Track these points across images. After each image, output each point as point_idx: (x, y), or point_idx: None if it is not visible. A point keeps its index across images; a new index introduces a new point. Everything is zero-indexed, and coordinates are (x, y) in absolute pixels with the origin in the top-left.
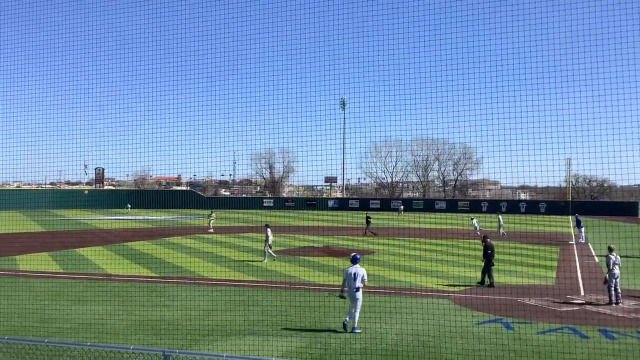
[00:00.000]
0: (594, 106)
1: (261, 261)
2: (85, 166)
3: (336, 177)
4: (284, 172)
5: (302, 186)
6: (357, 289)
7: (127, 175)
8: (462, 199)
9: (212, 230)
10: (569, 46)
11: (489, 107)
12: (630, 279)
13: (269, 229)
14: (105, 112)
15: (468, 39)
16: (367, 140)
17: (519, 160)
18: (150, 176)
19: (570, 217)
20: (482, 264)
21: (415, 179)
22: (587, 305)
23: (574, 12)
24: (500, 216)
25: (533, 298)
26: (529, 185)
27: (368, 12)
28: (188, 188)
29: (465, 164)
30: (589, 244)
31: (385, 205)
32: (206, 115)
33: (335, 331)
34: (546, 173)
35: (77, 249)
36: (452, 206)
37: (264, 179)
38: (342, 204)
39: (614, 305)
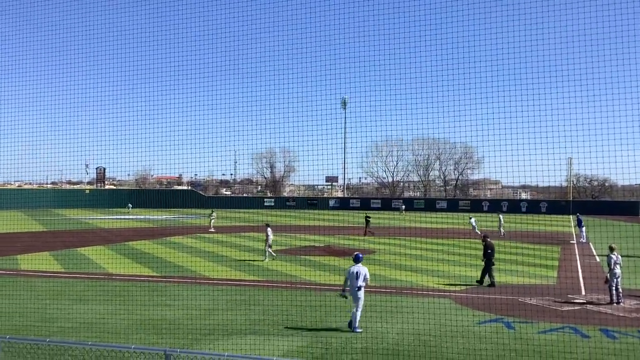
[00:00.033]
0: (595, 105)
1: (262, 261)
2: (87, 166)
3: (337, 177)
4: (285, 171)
5: (303, 185)
6: (359, 288)
7: (128, 175)
8: (463, 199)
9: (213, 230)
10: (570, 45)
11: (490, 107)
12: (632, 278)
13: (269, 229)
14: (106, 112)
15: (469, 38)
16: (368, 139)
17: (520, 159)
18: (151, 176)
19: (571, 216)
20: (483, 263)
21: (416, 179)
22: (588, 305)
23: (575, 12)
24: (500, 215)
25: (534, 297)
26: (530, 185)
27: (369, 11)
28: (189, 187)
29: (466, 163)
30: (590, 244)
31: (386, 205)
32: (207, 115)
33: (336, 330)
34: (547, 172)
35: (78, 249)
36: (453, 206)
37: (265, 178)
38: (343, 204)
39: (615, 304)
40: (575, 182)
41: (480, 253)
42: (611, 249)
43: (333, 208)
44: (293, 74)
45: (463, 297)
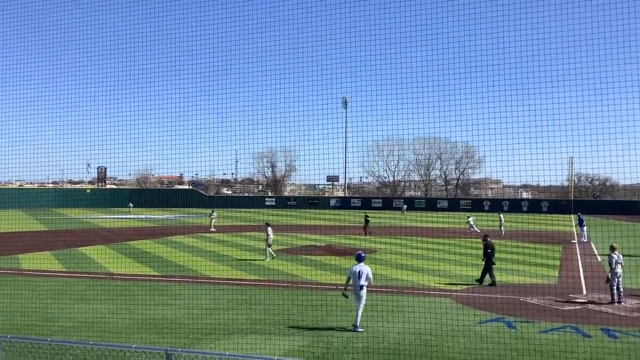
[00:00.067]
0: (596, 105)
1: (263, 260)
2: (88, 165)
3: (338, 176)
4: (286, 171)
5: (304, 185)
6: (361, 287)
7: (129, 174)
8: (464, 198)
9: (214, 229)
10: (571, 45)
11: (491, 106)
12: (633, 277)
13: (269, 228)
14: (107, 111)
15: (470, 37)
16: (369, 139)
17: (521, 159)
18: (152, 175)
19: (572, 216)
20: (483, 263)
21: (417, 178)
22: (589, 304)
23: (576, 11)
24: (501, 215)
25: (535, 297)
26: (531, 184)
27: (371, 10)
28: (190, 187)
29: (468, 162)
30: (591, 243)
31: (387, 205)
32: (208, 114)
33: (337, 330)
34: (548, 172)
35: (79, 248)
36: (454, 205)
37: (266, 177)
38: (344, 203)
39: (616, 304)
40: (576, 182)
41: (481, 252)
42: (612, 249)
43: (334, 207)
44: (294, 74)
45: (464, 296)
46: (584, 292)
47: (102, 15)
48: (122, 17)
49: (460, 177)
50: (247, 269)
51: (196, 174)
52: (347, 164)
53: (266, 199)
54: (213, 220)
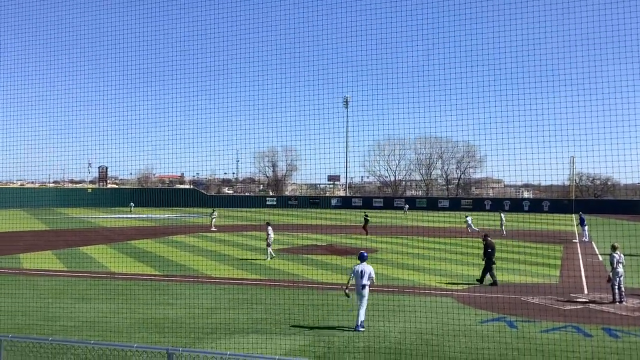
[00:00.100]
0: (597, 104)
1: (264, 259)
2: (89, 165)
3: (339, 176)
4: (287, 170)
5: (305, 184)
6: (364, 286)
7: (131, 174)
8: (465, 198)
9: (214, 229)
10: (573, 45)
11: (493, 106)
12: (634, 277)
13: (269, 228)
14: (108, 111)
15: (471, 37)
16: (370, 138)
17: (523, 158)
18: (154, 175)
19: (573, 215)
20: (484, 262)
21: (418, 177)
22: (590, 304)
23: (578, 11)
24: (502, 214)
25: (536, 296)
26: (533, 184)
27: (372, 9)
28: (191, 186)
29: (469, 162)
30: (593, 243)
31: (389, 204)
32: (209, 114)
33: (338, 329)
34: (550, 171)
35: (80, 248)
36: (455, 204)
37: (267, 177)
38: (345, 203)
39: (617, 303)
40: (577, 181)
41: (482, 252)
42: (614, 248)
43: (335, 207)
44: (295, 73)
45: (465, 296)
46: (585, 291)
47: (102, 14)
48: (122, 16)
49: (462, 176)
50: (248, 269)
51: (197, 174)
52: (348, 163)
53: (267, 199)
54: (214, 220)
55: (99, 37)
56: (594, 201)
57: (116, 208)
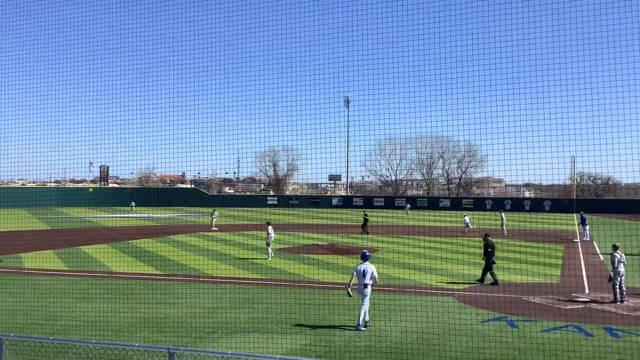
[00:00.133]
0: (599, 104)
1: (265, 259)
2: (90, 164)
3: (340, 175)
4: (288, 170)
5: (306, 184)
6: (366, 286)
7: (132, 173)
8: (466, 197)
9: (215, 228)
10: (574, 44)
11: (494, 105)
12: (635, 276)
13: (270, 227)
14: (109, 111)
15: (472, 36)
16: (371, 138)
17: (524, 158)
18: (155, 174)
19: (574, 214)
20: (484, 262)
21: (419, 177)
22: (591, 303)
23: (579, 10)
24: (503, 214)
25: (538, 296)
26: (534, 183)
27: (373, 9)
28: (192, 186)
29: (470, 161)
30: (594, 242)
31: (390, 203)
32: (211, 113)
33: (339, 328)
34: (551, 171)
35: (81, 247)
36: (456, 204)
37: (268, 176)
38: (346, 202)
39: (618, 303)
40: (578, 181)
41: (482, 251)
42: (615, 248)
43: (336, 206)
44: (296, 73)
45: (466, 295)
46: (587, 291)
47: (102, 13)
48: (122, 15)
49: (463, 176)
50: (249, 268)
51: (198, 173)
52: (349, 162)
53: (268, 198)
54: (214, 219)
55: (100, 36)
56: (595, 200)
57: (117, 207)
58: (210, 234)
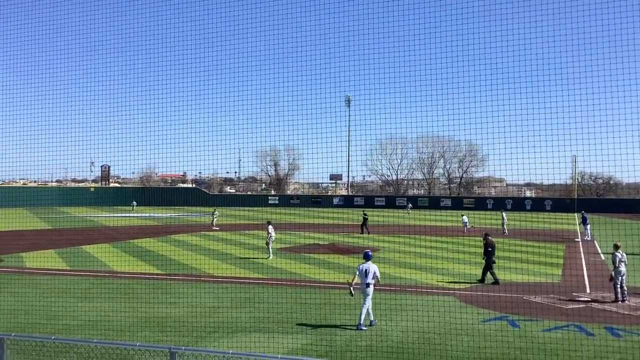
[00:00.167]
0: (600, 103)
1: (266, 258)
2: (92, 164)
3: (341, 175)
4: (289, 169)
5: (307, 184)
6: (368, 285)
7: (133, 173)
8: (467, 197)
9: (216, 228)
10: (575, 44)
11: (495, 104)
12: (637, 276)
13: (270, 226)
14: (111, 110)
15: (473, 36)
16: (372, 137)
17: (525, 157)
18: (156, 174)
19: (576, 214)
20: (484, 261)
21: (420, 177)
22: (592, 303)
23: (580, 10)
24: (504, 213)
25: (539, 295)
26: (535, 183)
27: (373, 8)
28: (193, 185)
29: (471, 161)
30: (595, 242)
31: (391, 203)
32: (212, 113)
33: (340, 328)
34: (552, 170)
35: (83, 246)
36: (457, 204)
37: (269, 176)
38: (347, 202)
39: (619, 302)
40: (580, 180)
41: (482, 251)
42: (616, 247)
43: (337, 206)
44: (297, 72)
45: (467, 295)
46: (588, 290)
47: (103, 12)
48: (122, 15)
49: (464, 175)
50: (250, 268)
51: (199, 173)
52: (350, 162)
53: (269, 198)
54: (215, 219)
55: (101, 36)
56: (596, 200)
57: (118, 207)
58: (211, 233)
